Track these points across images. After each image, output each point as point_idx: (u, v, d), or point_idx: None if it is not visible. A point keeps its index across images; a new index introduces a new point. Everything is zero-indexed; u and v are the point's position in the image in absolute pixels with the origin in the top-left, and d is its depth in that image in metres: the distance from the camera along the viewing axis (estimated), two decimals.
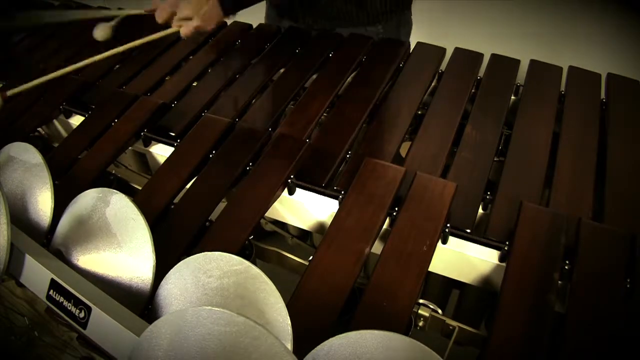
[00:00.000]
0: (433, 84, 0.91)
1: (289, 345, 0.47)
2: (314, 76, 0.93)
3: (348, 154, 0.76)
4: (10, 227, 0.55)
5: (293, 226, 0.81)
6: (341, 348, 0.44)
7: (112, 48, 0.89)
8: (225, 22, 1.11)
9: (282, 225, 0.94)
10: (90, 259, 0.57)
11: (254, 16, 1.12)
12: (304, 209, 0.72)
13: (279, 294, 0.48)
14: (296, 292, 0.57)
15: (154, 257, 0.54)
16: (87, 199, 0.59)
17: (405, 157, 0.75)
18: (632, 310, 0.54)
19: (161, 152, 0.81)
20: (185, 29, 0.89)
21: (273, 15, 1.16)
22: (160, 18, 0.91)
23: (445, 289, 0.79)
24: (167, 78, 0.96)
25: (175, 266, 0.52)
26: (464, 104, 0.83)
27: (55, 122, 0.91)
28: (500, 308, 0.54)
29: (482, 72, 0.91)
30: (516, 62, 0.91)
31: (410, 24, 1.13)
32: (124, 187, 0.82)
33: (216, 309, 0.42)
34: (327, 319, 0.54)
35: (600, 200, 0.68)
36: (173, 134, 0.81)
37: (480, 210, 0.69)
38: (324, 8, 1.04)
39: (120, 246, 0.56)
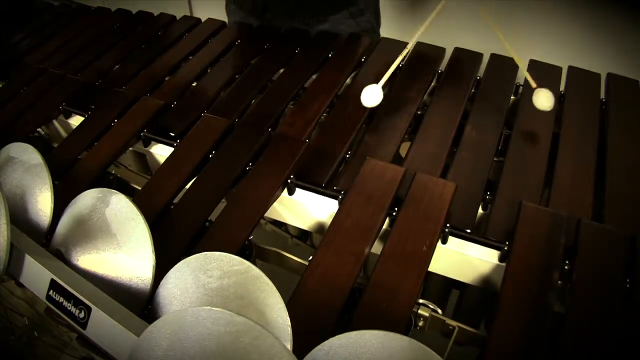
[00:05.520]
0: (433, 83, 0.91)
1: (289, 345, 0.47)
2: (314, 76, 0.93)
3: (348, 154, 0.76)
4: (10, 227, 0.55)
5: (293, 226, 0.81)
6: (341, 348, 0.44)
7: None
8: (225, 22, 1.11)
9: (282, 225, 0.95)
10: (90, 259, 0.57)
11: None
12: (304, 209, 0.72)
13: (279, 294, 0.48)
14: (296, 292, 0.57)
15: (154, 257, 0.54)
16: (87, 199, 0.59)
17: (405, 157, 0.75)
18: (632, 310, 0.54)
19: (161, 152, 0.81)
20: None
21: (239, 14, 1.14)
22: None
23: (445, 289, 0.79)
24: (167, 78, 0.96)
25: (176, 266, 0.52)
26: (464, 104, 0.83)
27: (55, 122, 0.91)
28: (500, 308, 0.54)
29: (481, 72, 0.91)
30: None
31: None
32: (124, 188, 0.82)
33: (216, 309, 0.42)
34: (327, 319, 0.54)
35: (600, 200, 0.68)
36: (173, 134, 0.81)
37: (480, 210, 0.69)
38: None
39: (120, 246, 0.56)
